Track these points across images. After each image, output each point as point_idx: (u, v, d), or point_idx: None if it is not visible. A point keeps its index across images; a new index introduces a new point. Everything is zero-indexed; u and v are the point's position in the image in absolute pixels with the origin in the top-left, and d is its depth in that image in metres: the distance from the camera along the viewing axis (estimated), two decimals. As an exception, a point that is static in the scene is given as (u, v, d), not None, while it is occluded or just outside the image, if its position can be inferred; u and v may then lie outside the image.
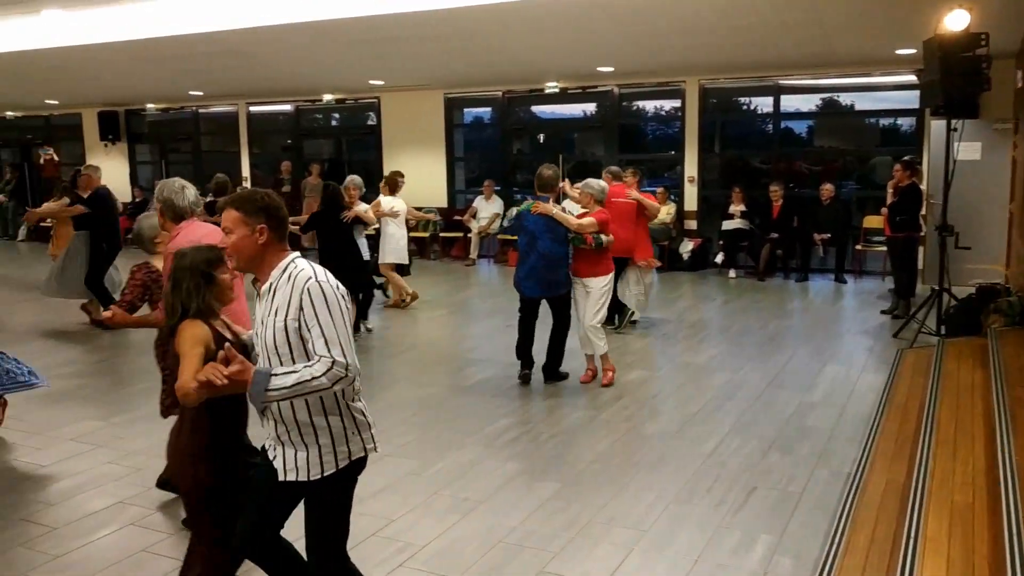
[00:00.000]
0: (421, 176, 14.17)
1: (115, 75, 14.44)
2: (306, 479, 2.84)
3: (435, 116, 14.93)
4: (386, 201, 9.85)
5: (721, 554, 4.06)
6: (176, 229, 4.51)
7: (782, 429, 5.85)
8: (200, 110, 17.43)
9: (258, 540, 3.01)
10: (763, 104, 13.60)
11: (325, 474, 2.83)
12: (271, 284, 2.81)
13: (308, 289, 2.70)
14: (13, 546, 4.30)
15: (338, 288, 2.78)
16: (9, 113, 19.19)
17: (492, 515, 4.53)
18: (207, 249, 3.08)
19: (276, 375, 2.67)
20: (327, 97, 15.67)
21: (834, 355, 7.90)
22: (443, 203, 14.91)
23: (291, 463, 2.85)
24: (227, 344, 2.73)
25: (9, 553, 4.23)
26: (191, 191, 4.60)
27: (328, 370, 2.65)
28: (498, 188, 14.38)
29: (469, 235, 14.30)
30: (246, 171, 16.53)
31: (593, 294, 6.78)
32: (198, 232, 4.44)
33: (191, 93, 15.92)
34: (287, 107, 16.58)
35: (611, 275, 6.90)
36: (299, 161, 16.13)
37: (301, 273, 2.75)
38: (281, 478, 2.87)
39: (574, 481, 5.01)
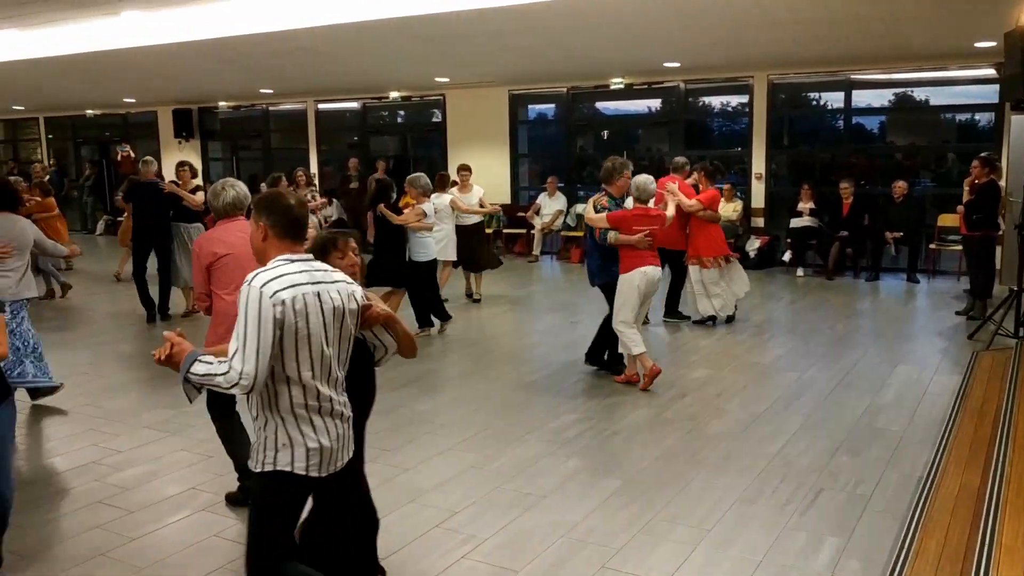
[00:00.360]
0: (485, 173, 14.23)
1: (189, 74, 14.83)
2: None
3: (499, 112, 14.99)
4: (435, 198, 9.84)
5: (786, 556, 3.99)
6: (215, 224, 4.79)
7: (851, 430, 5.73)
8: (270, 108, 17.78)
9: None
10: (833, 99, 13.31)
11: (255, 469, 2.95)
12: None
13: (241, 290, 2.80)
14: (90, 528, 4.46)
15: (269, 296, 2.74)
16: (89, 111, 19.85)
17: (554, 510, 4.54)
18: (328, 234, 3.32)
19: (199, 361, 2.79)
20: (393, 94, 15.85)
21: (906, 356, 7.69)
22: (506, 199, 14.95)
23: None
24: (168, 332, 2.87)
25: (86, 535, 4.39)
26: (232, 192, 4.75)
27: (226, 373, 2.75)
28: (561, 185, 14.36)
29: (532, 231, 14.32)
30: (314, 168, 16.81)
31: (617, 290, 6.76)
32: (227, 230, 4.67)
33: (262, 91, 16.25)
34: (354, 104, 16.82)
35: (633, 273, 6.63)
36: (366, 158, 16.35)
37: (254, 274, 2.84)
38: None
39: (637, 478, 4.98)
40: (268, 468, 2.90)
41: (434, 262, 8.75)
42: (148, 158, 10.45)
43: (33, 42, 13.44)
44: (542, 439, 5.66)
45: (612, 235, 6.63)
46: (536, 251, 14.16)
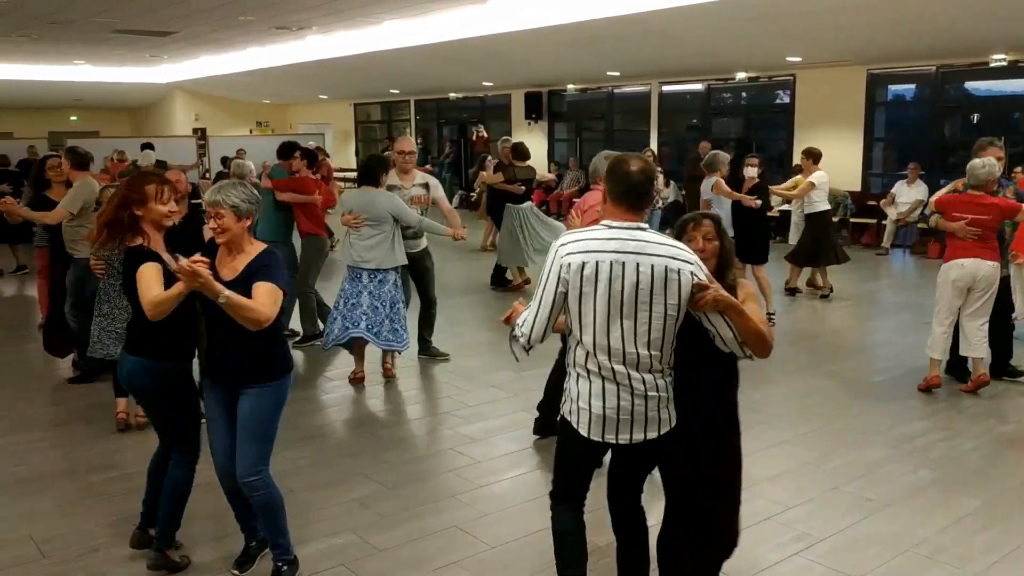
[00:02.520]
0: (834, 158, 13.42)
1: (544, 58, 15.62)
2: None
3: (854, 94, 14.03)
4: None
5: None
6: (593, 188, 5.00)
7: None
8: (615, 90, 18.19)
9: None
10: None
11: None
12: None
13: None
14: (445, 471, 4.92)
15: (561, 257, 2.91)
16: (452, 95, 21.66)
17: (899, 521, 4.21)
18: (690, 215, 3.26)
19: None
20: (740, 75, 15.47)
21: None
22: (856, 186, 14.00)
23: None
24: None
25: (441, 477, 4.85)
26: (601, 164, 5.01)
27: (520, 325, 3.18)
28: (923, 173, 13.13)
29: (884, 222, 13.28)
30: (654, 149, 16.95)
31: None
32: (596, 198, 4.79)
33: (608, 74, 16.67)
34: (698, 86, 16.67)
35: (949, 265, 6.00)
36: (706, 139, 16.13)
37: None
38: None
39: (999, 500, 4.47)
40: (562, 412, 3.07)
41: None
42: (506, 138, 11.19)
43: (411, 31, 14.95)
44: (887, 444, 5.27)
45: (934, 219, 6.16)
46: (887, 243, 13.12)
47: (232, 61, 20.14)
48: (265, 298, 3.28)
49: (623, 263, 2.84)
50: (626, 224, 2.90)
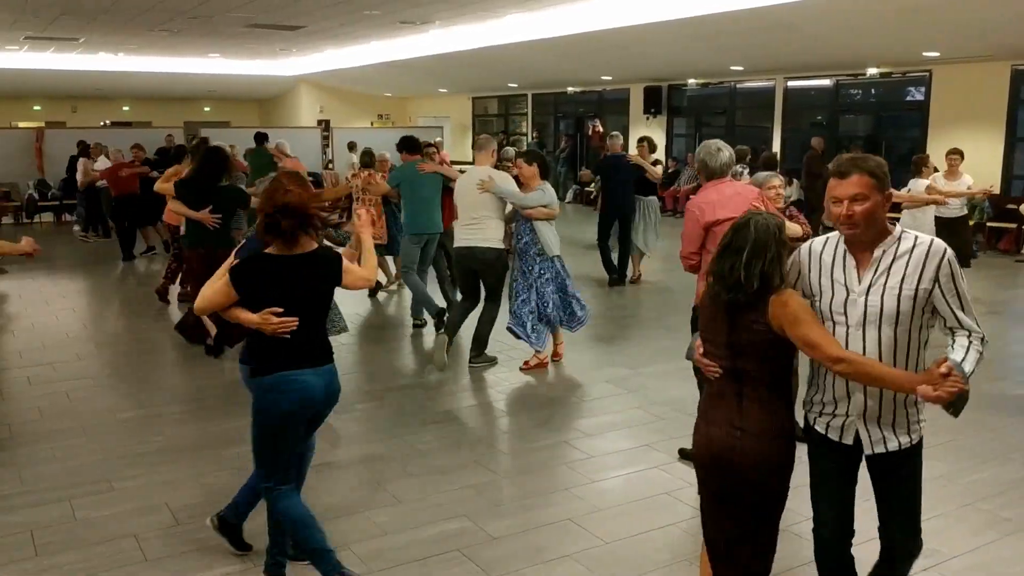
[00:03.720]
0: (972, 158, 12.75)
1: (665, 52, 15.41)
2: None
3: (996, 91, 13.26)
4: (911, 183, 8.99)
5: None
6: (704, 186, 4.75)
7: None
8: (737, 85, 17.78)
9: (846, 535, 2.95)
10: None
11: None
12: (883, 251, 2.71)
13: (949, 260, 2.65)
14: (558, 464, 4.93)
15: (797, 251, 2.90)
16: (570, 88, 21.61)
17: (1040, 544, 3.97)
18: (772, 216, 2.88)
19: (964, 363, 2.67)
20: (871, 71, 14.86)
21: None
22: (995, 189, 13.24)
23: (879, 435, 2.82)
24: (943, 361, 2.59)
25: (555, 469, 4.86)
26: (727, 153, 4.76)
27: (984, 341, 2.72)
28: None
29: (1024, 227, 12.54)
30: (776, 147, 16.49)
31: None
32: (726, 191, 4.62)
33: (732, 68, 16.30)
34: (825, 82, 16.11)
35: None
36: (833, 138, 15.59)
37: (923, 242, 2.69)
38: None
39: None
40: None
41: None
42: (615, 133, 11.08)
43: (532, 25, 15.00)
44: (1027, 461, 4.97)
45: None
46: (1026, 250, 12.38)
47: (356, 55, 20.68)
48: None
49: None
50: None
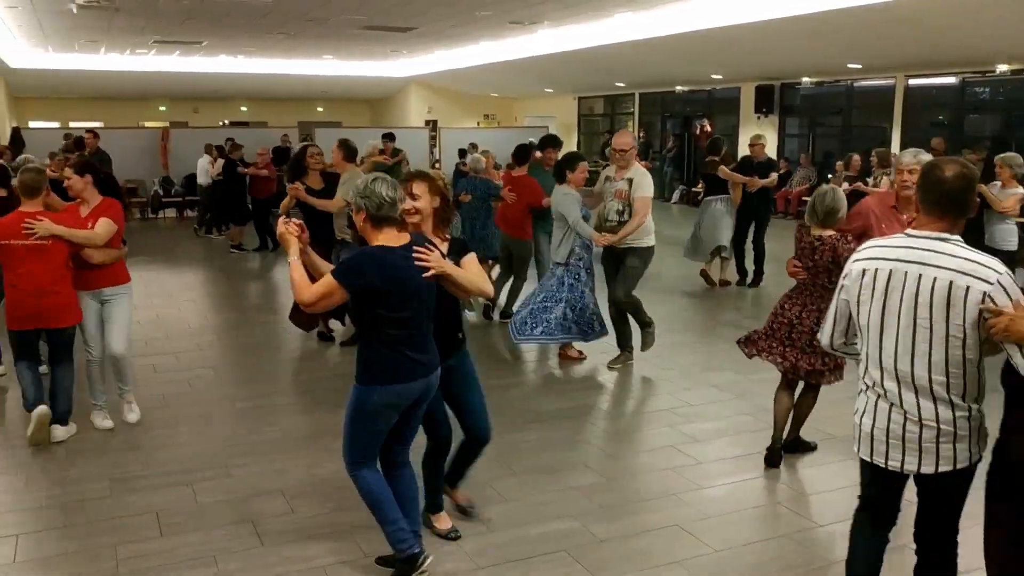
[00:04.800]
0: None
1: (778, 49, 15.01)
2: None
3: None
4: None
5: None
6: None
7: None
8: (854, 83, 17.16)
9: None
10: None
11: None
12: None
13: None
14: (665, 469, 4.85)
15: (851, 260, 2.89)
16: (678, 88, 21.31)
17: None
18: None
19: None
20: (1001, 67, 14.10)
21: None
22: None
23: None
24: None
25: (662, 474, 4.78)
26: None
27: None
28: None
29: None
30: (895, 147, 15.84)
31: None
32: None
33: (849, 66, 15.75)
34: (950, 80, 15.38)
35: None
36: (958, 139, 14.87)
37: None
38: None
39: None
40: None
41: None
42: (758, 133, 10.91)
43: (641, 24, 14.85)
44: None
45: None
46: None
47: (464, 55, 20.92)
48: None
49: (905, 272, 2.65)
50: (927, 233, 2.67)
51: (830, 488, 4.55)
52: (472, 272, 3.59)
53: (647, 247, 6.58)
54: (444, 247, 3.64)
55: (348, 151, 7.37)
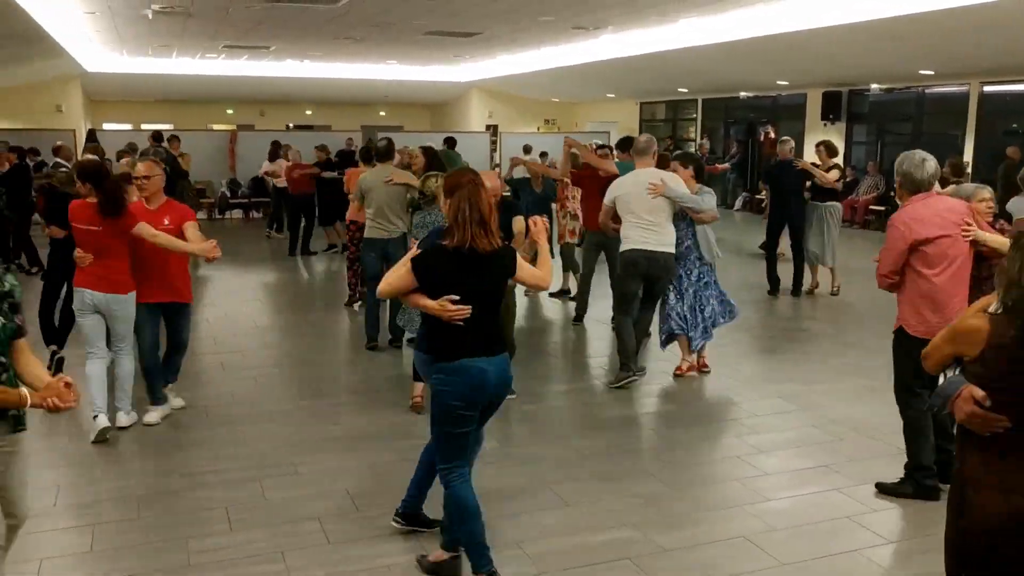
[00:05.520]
0: None
1: (847, 55, 14.71)
2: None
3: None
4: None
5: None
6: (910, 200, 4.37)
7: None
8: (926, 90, 16.74)
9: None
10: None
11: None
12: None
13: None
14: (730, 479, 4.78)
15: None
16: (742, 93, 21.03)
17: None
18: None
19: None
20: (1081, 74, 13.63)
21: None
22: None
23: None
24: None
25: (727, 484, 4.72)
26: (932, 164, 4.42)
27: None
28: None
29: None
30: (968, 156, 15.40)
31: None
32: (937, 206, 4.30)
33: (921, 72, 15.37)
34: (1028, 87, 14.91)
35: None
36: (1032, 147, 14.39)
37: None
38: None
39: None
40: None
41: None
42: (785, 137, 10.69)
43: (706, 29, 14.70)
44: None
45: None
46: None
47: (526, 60, 20.95)
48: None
49: None
50: None
51: (902, 504, 4.43)
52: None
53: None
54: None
55: (430, 155, 7.86)
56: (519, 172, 9.66)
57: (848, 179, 17.28)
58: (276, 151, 15.07)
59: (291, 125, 27.37)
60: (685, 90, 22.18)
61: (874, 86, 17.41)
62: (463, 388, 3.43)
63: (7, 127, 18.90)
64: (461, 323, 3.40)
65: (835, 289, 9.90)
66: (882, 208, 16.08)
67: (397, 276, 3.48)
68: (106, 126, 23.58)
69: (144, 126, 21.76)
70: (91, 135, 17.54)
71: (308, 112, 29.53)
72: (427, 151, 7.70)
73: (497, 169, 20.17)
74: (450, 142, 14.45)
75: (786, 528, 4.18)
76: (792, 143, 10.41)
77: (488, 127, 25.48)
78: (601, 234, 7.37)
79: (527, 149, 17.68)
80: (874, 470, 4.80)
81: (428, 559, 3.71)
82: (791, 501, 4.50)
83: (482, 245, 3.40)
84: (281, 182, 14.14)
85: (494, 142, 22.18)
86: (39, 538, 3.91)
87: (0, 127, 18.37)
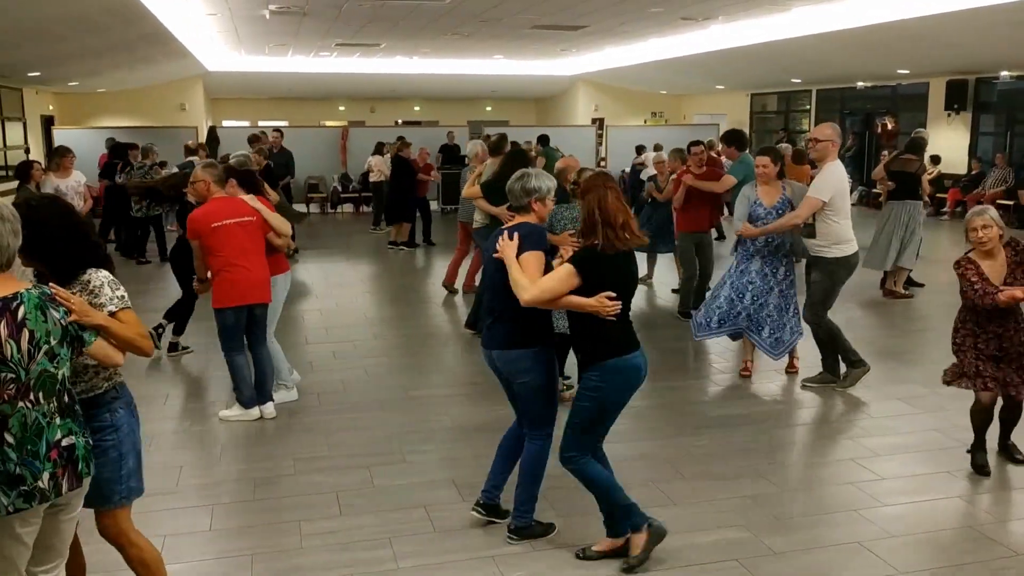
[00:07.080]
0: None
1: (976, 41, 13.96)
2: None
3: None
4: None
5: None
6: None
7: None
8: (1061, 77, 15.77)
9: None
10: None
11: None
12: None
13: None
14: (844, 482, 4.61)
15: None
16: (859, 84, 20.24)
17: None
18: None
19: None
20: None
21: None
22: None
23: None
24: None
25: (840, 487, 4.55)
26: None
27: None
28: None
29: None
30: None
31: None
32: None
33: (1056, 58, 14.48)
34: None
35: None
36: None
37: None
38: None
39: None
40: None
41: None
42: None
43: (820, 17, 14.21)
44: None
45: None
46: None
47: (633, 52, 20.74)
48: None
49: None
50: None
51: (1032, 515, 4.19)
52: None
53: (833, 258, 5.92)
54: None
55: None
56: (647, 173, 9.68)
57: (974, 172, 16.50)
58: (379, 150, 15.52)
59: (399, 121, 27.91)
60: (798, 80, 21.54)
61: (1004, 73, 16.48)
62: (624, 385, 3.59)
63: (137, 125, 19.90)
64: (614, 319, 3.50)
65: (900, 289, 9.39)
66: (1011, 203, 15.21)
67: (557, 280, 3.51)
68: (225, 123, 24.59)
69: (261, 123, 22.54)
70: (211, 132, 18.32)
71: (416, 108, 30.03)
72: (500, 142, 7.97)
73: (603, 163, 20.05)
74: (543, 139, 14.44)
75: (905, 535, 4.00)
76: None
77: (594, 120, 25.34)
78: (698, 234, 8.07)
79: (640, 149, 17.55)
80: (1000, 478, 4.56)
81: (594, 549, 3.78)
82: (910, 507, 4.31)
83: (620, 244, 3.52)
84: (376, 176, 14.90)
85: (600, 135, 22.03)
86: (162, 515, 4.11)
87: (129, 125, 19.34)
